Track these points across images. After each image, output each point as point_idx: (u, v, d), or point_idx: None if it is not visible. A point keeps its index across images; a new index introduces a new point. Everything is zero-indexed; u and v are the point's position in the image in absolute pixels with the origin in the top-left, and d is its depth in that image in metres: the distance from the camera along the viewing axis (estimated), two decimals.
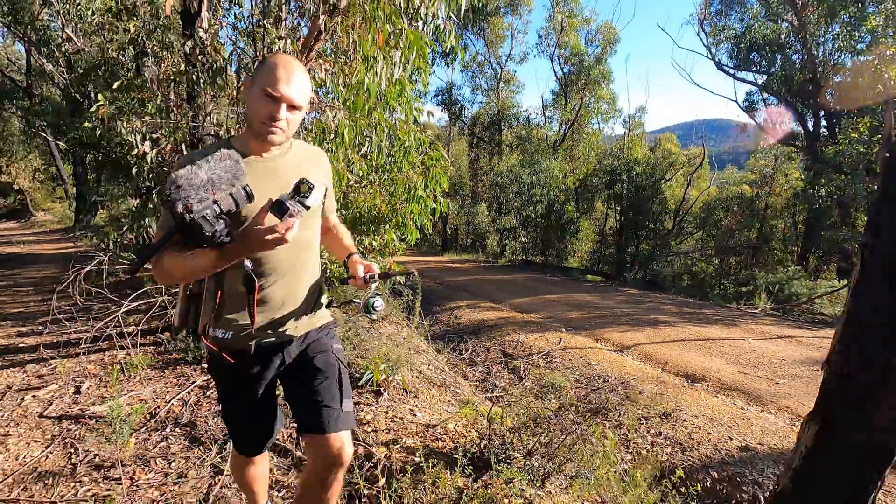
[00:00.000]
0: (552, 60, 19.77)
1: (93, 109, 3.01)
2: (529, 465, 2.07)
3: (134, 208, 11.85)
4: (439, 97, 21.69)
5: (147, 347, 3.83)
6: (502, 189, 18.49)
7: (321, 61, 3.34)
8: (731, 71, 15.61)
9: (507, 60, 21.32)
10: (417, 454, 2.08)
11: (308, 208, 1.20)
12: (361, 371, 3.00)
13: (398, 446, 2.31)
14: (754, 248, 16.89)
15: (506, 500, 1.84)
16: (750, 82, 15.29)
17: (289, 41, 3.21)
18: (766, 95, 14.17)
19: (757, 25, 12.47)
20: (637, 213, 17.37)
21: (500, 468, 1.98)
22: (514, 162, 18.84)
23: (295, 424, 1.87)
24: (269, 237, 1.12)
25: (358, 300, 1.46)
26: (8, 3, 18.67)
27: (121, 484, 2.20)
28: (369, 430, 2.51)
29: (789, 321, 8.58)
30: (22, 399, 3.15)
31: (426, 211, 4.71)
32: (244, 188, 1.20)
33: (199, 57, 3.51)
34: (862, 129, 10.06)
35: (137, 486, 2.19)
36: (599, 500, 2.02)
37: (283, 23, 3.39)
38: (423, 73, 4.42)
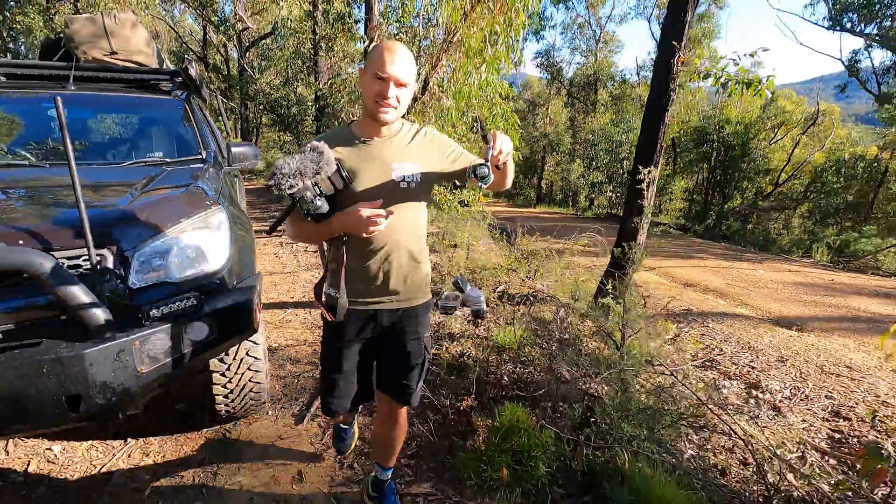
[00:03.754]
0: (650, 22, 20.21)
1: (340, 105, 5.91)
2: (529, 270, 4.66)
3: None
4: (539, 59, 23.15)
5: None
6: (593, 146, 19.93)
7: (440, 69, 5.93)
8: (851, 26, 15.19)
9: (607, 21, 22.03)
10: (480, 266, 4.77)
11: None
12: (454, 237, 5.75)
13: (469, 263, 5.01)
14: (847, 208, 16.75)
15: (515, 278, 4.46)
16: (867, 35, 14.86)
17: (423, 59, 5.80)
18: (871, 53, 13.96)
19: None
20: (725, 173, 17.93)
21: (516, 269, 4.59)
22: (606, 121, 20.07)
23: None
24: (356, 223, 1.39)
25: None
26: None
27: None
28: (455, 259, 5.24)
29: (830, 268, 9.77)
30: (293, 244, 6.36)
31: None
32: (343, 174, 1.41)
33: None
34: None
35: None
36: (557, 283, 4.55)
37: (421, 45, 5.98)
38: (506, 63, 6.82)
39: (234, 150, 2.90)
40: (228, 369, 2.13)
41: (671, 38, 3.36)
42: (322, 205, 1.39)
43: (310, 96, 10.98)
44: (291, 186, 1.34)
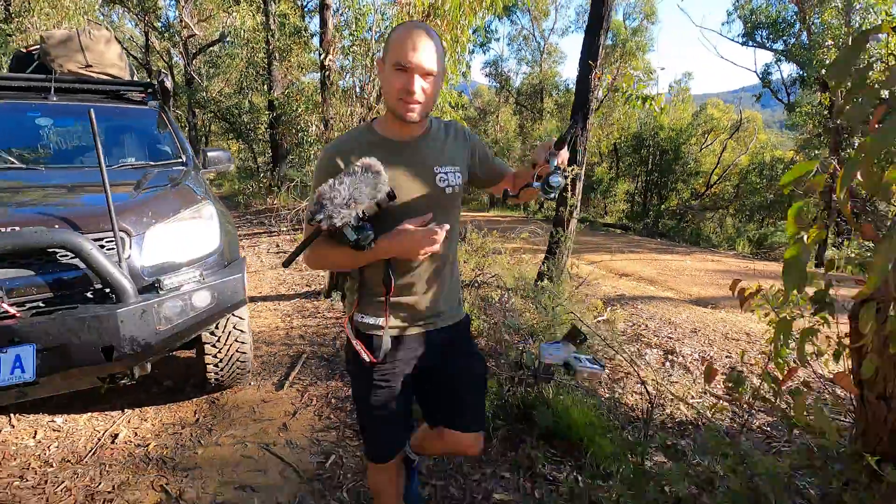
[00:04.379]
0: None
1: (297, 113, 6.21)
2: (479, 261, 5.17)
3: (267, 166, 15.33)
4: (488, 69, 24.11)
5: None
6: None
7: None
8: (762, 42, 16.89)
9: (550, 34, 23.28)
10: None
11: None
12: None
13: None
14: (769, 206, 18.46)
15: (466, 268, 4.95)
16: (775, 50, 16.55)
17: (376, 70, 6.26)
18: (780, 67, 15.72)
19: (764, 5, 14.07)
20: (661, 176, 19.33)
21: (467, 260, 5.08)
22: (553, 128, 21.16)
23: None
24: (411, 247, 1.20)
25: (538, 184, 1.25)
26: None
27: None
28: None
29: (749, 259, 10.90)
30: (255, 247, 6.63)
31: None
32: (387, 192, 1.17)
33: (328, 77, 6.64)
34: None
35: None
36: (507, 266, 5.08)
37: (375, 57, 6.42)
38: (454, 75, 7.38)
39: (209, 154, 3.23)
40: (219, 341, 2.48)
41: (588, 58, 3.98)
42: (371, 233, 1.18)
43: (263, 105, 11.17)
44: (343, 217, 1.14)
